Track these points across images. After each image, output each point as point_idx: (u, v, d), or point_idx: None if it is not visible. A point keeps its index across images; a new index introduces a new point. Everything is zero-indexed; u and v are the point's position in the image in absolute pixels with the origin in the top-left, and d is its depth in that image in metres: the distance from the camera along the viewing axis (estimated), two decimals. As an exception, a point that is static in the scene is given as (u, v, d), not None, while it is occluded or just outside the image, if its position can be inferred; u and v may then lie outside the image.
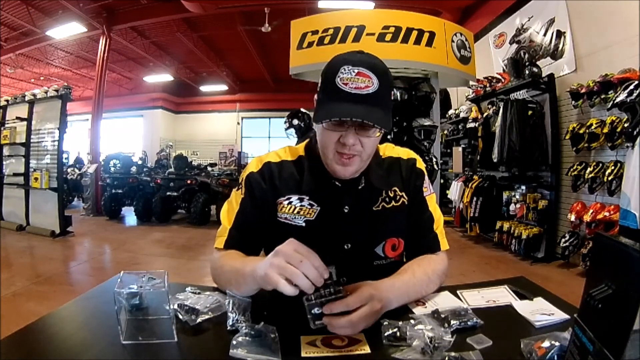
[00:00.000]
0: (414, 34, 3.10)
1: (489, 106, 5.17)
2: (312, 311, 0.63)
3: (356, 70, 0.77)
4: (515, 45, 5.50)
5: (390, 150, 1.00)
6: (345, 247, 0.88)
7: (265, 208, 0.90)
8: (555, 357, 0.56)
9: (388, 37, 3.07)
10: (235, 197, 0.93)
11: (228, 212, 0.93)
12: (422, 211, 0.95)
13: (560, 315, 0.72)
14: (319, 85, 0.84)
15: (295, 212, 0.88)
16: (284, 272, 0.64)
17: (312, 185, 0.90)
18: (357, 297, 0.66)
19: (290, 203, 0.89)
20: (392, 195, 0.92)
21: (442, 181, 5.75)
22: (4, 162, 5.87)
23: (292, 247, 0.67)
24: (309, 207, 0.88)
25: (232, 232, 0.90)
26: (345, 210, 0.88)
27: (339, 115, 0.76)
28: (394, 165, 0.96)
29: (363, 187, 0.90)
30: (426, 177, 0.98)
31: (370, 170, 0.91)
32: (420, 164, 0.99)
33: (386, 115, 0.80)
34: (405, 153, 0.99)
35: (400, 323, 0.65)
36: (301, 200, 0.89)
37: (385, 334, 0.64)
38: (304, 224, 0.88)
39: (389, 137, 3.12)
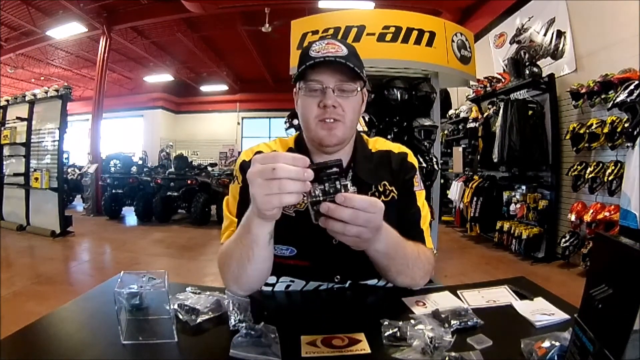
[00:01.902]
0: (414, 34, 3.10)
1: (489, 106, 5.17)
2: (315, 207, 0.61)
3: (326, 41, 0.86)
4: (515, 45, 5.50)
5: (381, 143, 1.00)
6: (334, 241, 0.84)
7: None
8: (556, 357, 0.56)
9: (388, 37, 3.07)
10: (234, 190, 0.93)
11: (230, 206, 0.92)
12: (410, 206, 0.94)
13: (560, 315, 0.72)
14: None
15: None
16: (270, 190, 0.60)
17: None
18: (364, 200, 0.62)
19: None
20: (381, 189, 0.92)
21: (442, 181, 5.74)
22: (4, 162, 5.88)
23: (258, 164, 0.61)
24: None
25: (238, 224, 0.88)
26: None
27: (312, 59, 0.82)
28: (384, 159, 0.96)
29: (350, 180, 0.90)
30: (417, 172, 0.97)
31: (357, 163, 0.92)
32: (412, 159, 0.98)
33: (359, 68, 0.85)
34: (396, 147, 0.99)
35: (400, 323, 0.65)
36: None
37: (385, 334, 0.64)
38: (294, 214, 0.88)
39: (389, 136, 3.12)
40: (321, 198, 0.61)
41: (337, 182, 0.61)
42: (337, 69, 0.84)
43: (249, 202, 0.87)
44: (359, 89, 0.87)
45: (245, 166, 0.91)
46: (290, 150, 0.96)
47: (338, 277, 0.89)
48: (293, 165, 0.59)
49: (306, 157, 0.61)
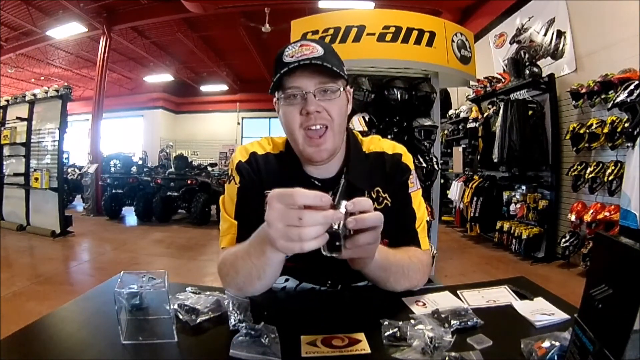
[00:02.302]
0: (414, 34, 3.10)
1: (490, 106, 5.17)
2: (339, 233, 0.59)
3: (299, 44, 0.81)
4: (515, 45, 5.50)
5: (375, 143, 0.95)
6: None
7: (259, 197, 0.88)
8: (556, 357, 0.56)
9: (388, 37, 3.06)
10: (231, 190, 0.89)
11: (227, 206, 0.89)
12: (405, 208, 0.91)
13: (560, 315, 0.72)
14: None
15: None
16: (291, 239, 0.56)
17: (294, 183, 0.87)
18: (367, 200, 0.61)
19: None
20: (374, 196, 0.89)
21: (442, 181, 5.74)
22: (5, 162, 5.88)
23: (278, 204, 0.57)
24: None
25: (240, 227, 0.86)
26: None
27: (287, 65, 0.77)
28: (378, 161, 0.92)
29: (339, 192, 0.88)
30: (413, 172, 0.94)
31: (350, 169, 0.88)
32: (406, 159, 0.94)
33: (338, 67, 0.80)
34: (390, 147, 0.95)
35: (400, 323, 0.65)
36: None
37: (385, 334, 0.64)
38: None
39: (389, 136, 3.12)
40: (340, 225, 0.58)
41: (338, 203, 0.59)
42: (314, 70, 0.78)
43: (246, 204, 0.87)
44: (341, 88, 0.82)
45: (241, 167, 0.89)
46: (280, 154, 0.92)
47: (329, 282, 0.89)
48: (319, 214, 0.56)
49: (327, 195, 0.56)
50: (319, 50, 0.80)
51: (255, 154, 0.91)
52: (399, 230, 0.90)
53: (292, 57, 0.79)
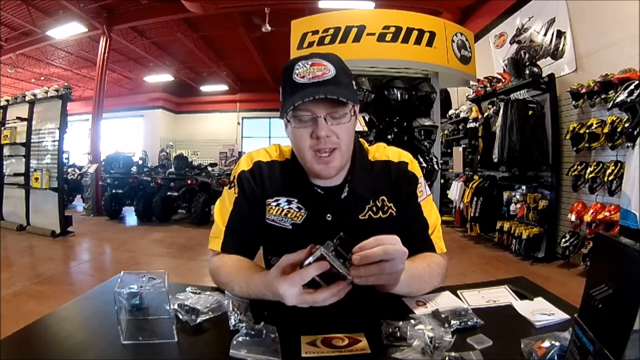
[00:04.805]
0: (414, 34, 3.11)
1: (490, 106, 5.17)
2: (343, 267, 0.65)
3: (310, 62, 0.79)
4: (515, 45, 5.50)
5: (380, 151, 0.95)
6: None
7: (257, 207, 0.90)
8: (556, 357, 0.56)
9: (388, 37, 3.07)
10: (229, 196, 0.92)
11: (222, 211, 0.92)
12: (416, 218, 0.91)
13: (560, 315, 0.72)
14: (280, 91, 0.85)
15: (283, 214, 0.88)
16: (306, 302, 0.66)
17: (298, 191, 0.89)
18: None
19: (278, 205, 0.89)
20: (379, 205, 0.89)
21: (442, 181, 5.74)
22: (5, 162, 5.88)
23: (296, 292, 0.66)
24: (297, 210, 0.88)
25: (227, 233, 0.89)
26: (328, 219, 0.87)
27: (301, 98, 0.75)
28: (383, 170, 0.92)
29: (346, 197, 0.88)
30: (420, 180, 0.93)
31: (354, 177, 0.89)
32: (413, 167, 0.93)
33: (350, 92, 0.81)
34: (396, 155, 0.94)
35: (400, 323, 0.65)
36: (289, 202, 0.89)
37: (385, 334, 0.64)
38: (290, 227, 0.88)
39: (389, 136, 3.12)
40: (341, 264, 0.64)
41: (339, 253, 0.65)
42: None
43: (241, 213, 0.90)
44: (351, 112, 0.81)
45: (242, 178, 0.91)
46: (287, 161, 0.93)
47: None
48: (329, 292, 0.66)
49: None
50: (330, 71, 0.78)
51: (260, 162, 0.92)
52: (413, 240, 0.90)
53: (303, 77, 0.78)
